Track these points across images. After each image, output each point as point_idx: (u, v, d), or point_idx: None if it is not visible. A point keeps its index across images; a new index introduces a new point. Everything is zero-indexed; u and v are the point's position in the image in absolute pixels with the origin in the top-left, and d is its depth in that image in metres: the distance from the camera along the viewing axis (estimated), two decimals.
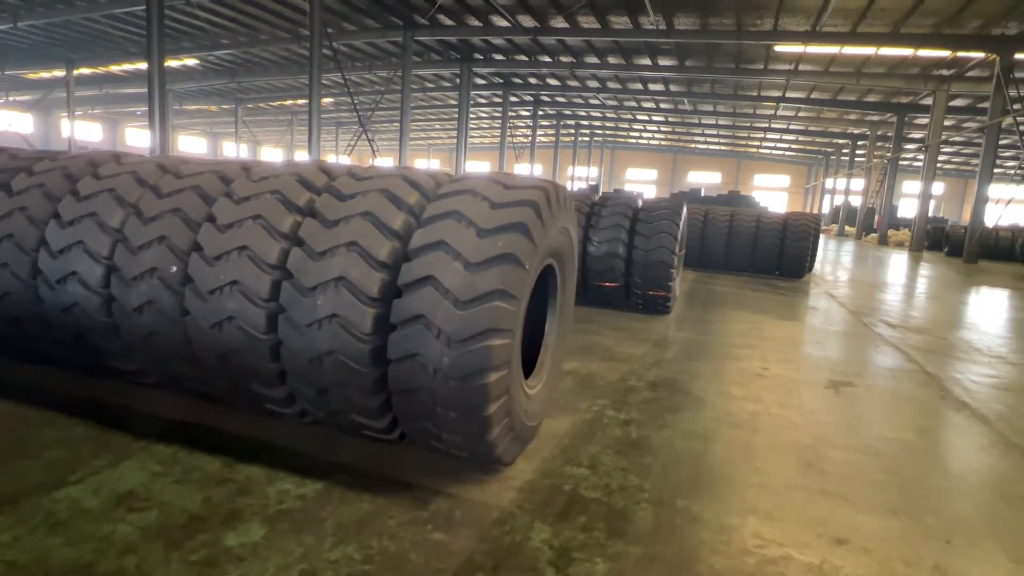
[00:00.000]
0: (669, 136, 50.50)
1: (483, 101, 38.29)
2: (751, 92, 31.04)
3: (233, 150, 49.24)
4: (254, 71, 32.77)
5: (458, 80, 28.99)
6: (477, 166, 58.69)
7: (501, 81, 32.85)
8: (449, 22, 23.60)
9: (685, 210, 6.53)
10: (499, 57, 27.69)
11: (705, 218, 11.37)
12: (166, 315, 2.53)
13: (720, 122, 41.32)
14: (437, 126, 47.90)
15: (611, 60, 26.81)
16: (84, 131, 47.77)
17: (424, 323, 2.11)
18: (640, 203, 6.51)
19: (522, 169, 43.51)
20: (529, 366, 2.85)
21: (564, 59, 27.05)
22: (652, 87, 31.81)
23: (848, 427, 3.47)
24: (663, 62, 26.29)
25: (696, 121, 41.99)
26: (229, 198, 2.56)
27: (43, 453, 2.45)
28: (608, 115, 41.76)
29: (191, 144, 61.43)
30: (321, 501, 2.22)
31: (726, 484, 2.62)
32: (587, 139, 53.09)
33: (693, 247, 11.34)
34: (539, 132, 49.61)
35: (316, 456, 2.58)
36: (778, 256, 10.98)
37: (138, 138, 53.36)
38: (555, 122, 44.86)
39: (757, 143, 50.29)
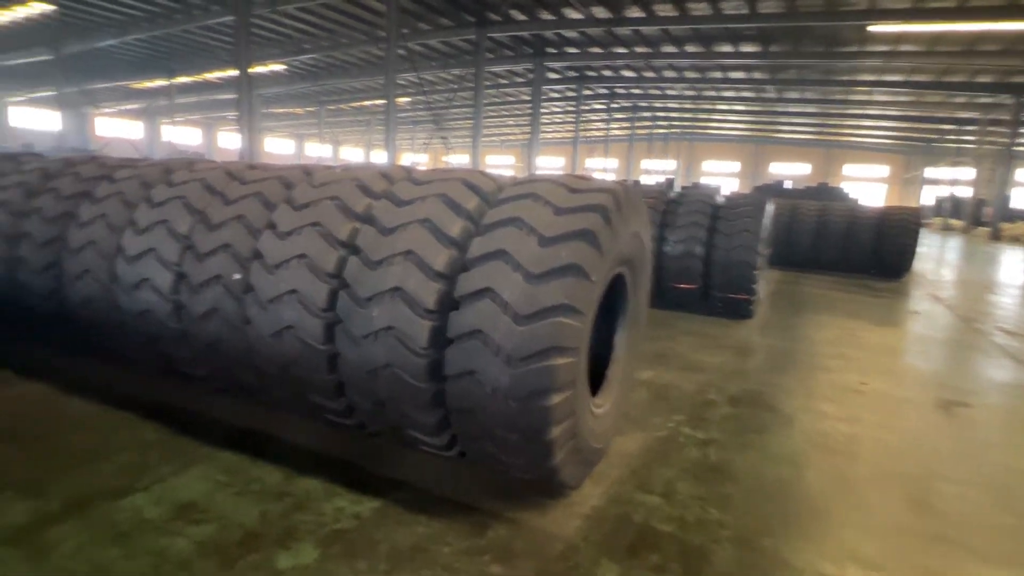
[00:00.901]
0: (751, 126, 48.14)
1: (556, 95, 37.94)
2: (843, 76, 29.00)
3: (316, 150, 51.50)
4: (335, 74, 34.00)
5: (531, 75, 28.85)
6: (550, 161, 58.39)
7: (575, 75, 32.41)
8: (522, 17, 23.46)
9: (770, 206, 6.06)
10: (572, 50, 27.29)
11: (792, 213, 10.64)
12: (230, 323, 2.53)
13: (807, 109, 38.90)
14: (510, 122, 48.05)
15: (689, 48, 25.78)
16: (184, 136, 51.33)
17: (482, 339, 1.96)
18: (720, 199, 6.11)
19: (596, 163, 42.83)
20: (597, 381, 2.66)
21: (640, 50, 26.28)
22: (733, 75, 30.37)
23: (965, 456, 3.04)
24: (745, 48, 25.00)
25: (780, 109, 39.77)
26: (289, 204, 2.52)
27: (116, 456, 2.50)
28: (685, 105, 40.30)
29: (278, 145, 64.72)
30: (377, 521, 2.13)
31: (821, 522, 2.33)
32: (663, 131, 51.56)
33: (779, 244, 10.65)
34: (613, 125, 48.67)
35: (374, 471, 2.50)
36: (874, 254, 10.11)
37: (229, 141, 56.79)
38: (630, 114, 43.82)
39: (849, 131, 47.06)
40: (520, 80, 32.80)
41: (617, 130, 51.04)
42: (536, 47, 27.03)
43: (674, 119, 47.35)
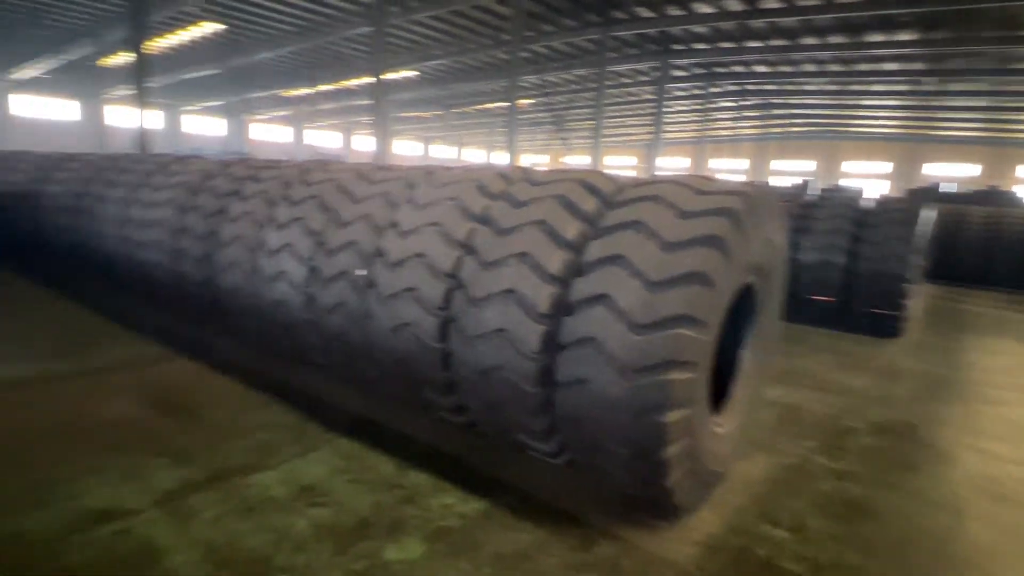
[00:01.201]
0: (904, 122, 43.36)
1: (681, 94, 36.61)
2: (1022, 65, 25.23)
3: (441, 152, 53.75)
4: (460, 78, 35.24)
5: (656, 73, 28.06)
6: (673, 162, 56.51)
7: (702, 71, 31.06)
8: (648, 14, 22.86)
9: (929, 212, 5.37)
10: (701, 46, 26.14)
11: (955, 221, 9.39)
12: (353, 317, 2.64)
13: (975, 103, 34.33)
14: (633, 121, 47.08)
15: (832, 39, 23.74)
16: (325, 139, 55.74)
17: (595, 346, 1.88)
18: (866, 203, 5.51)
19: (722, 164, 40.77)
20: (719, 398, 2.47)
21: (776, 43, 24.62)
22: (886, 66, 27.52)
23: None
24: (901, 36, 22.55)
25: (940, 103, 35.42)
26: (411, 204, 2.59)
27: (252, 434, 2.71)
28: (826, 101, 37.14)
29: (406, 147, 68.28)
30: (482, 523, 2.12)
31: None
32: (799, 129, 47.96)
33: (938, 256, 9.45)
34: (743, 123, 46.05)
35: (483, 470, 2.50)
36: None
37: (363, 143, 60.80)
38: (762, 112, 41.24)
39: None
40: (644, 79, 32.00)
41: (747, 129, 48.23)
42: (662, 44, 26.22)
43: (812, 116, 43.83)
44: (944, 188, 25.60)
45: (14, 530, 1.93)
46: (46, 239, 5.38)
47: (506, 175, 2.54)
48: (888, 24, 20.90)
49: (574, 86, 33.61)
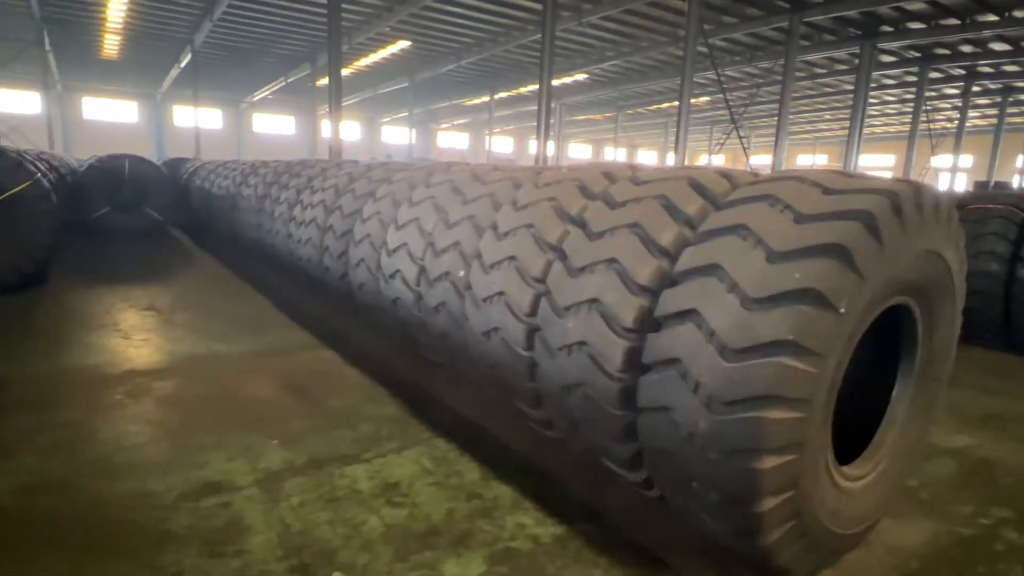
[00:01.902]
0: None
1: (890, 82, 32.08)
2: None
3: (612, 155, 53.23)
4: (633, 78, 34.55)
5: (856, 61, 24.93)
6: (877, 160, 49.87)
7: (917, 55, 26.91)
8: None
9: None
10: (916, 25, 22.66)
11: None
12: (454, 318, 2.63)
13: None
14: (827, 116, 42.34)
15: None
16: (501, 144, 58.34)
17: (680, 370, 1.62)
18: None
19: (942, 161, 34.81)
20: (856, 444, 2.02)
21: (1020, 14, 20.50)
22: None
23: None
24: None
25: None
26: (512, 205, 2.50)
27: (361, 426, 2.83)
28: None
29: (578, 151, 68.89)
30: (554, 551, 1.96)
31: None
32: None
33: None
34: (972, 113, 39.03)
35: (571, 492, 2.33)
36: None
37: (536, 148, 62.36)
38: (999, 99, 34.59)
39: None
40: (842, 67, 28.58)
41: (978, 120, 40.84)
42: (866, 27, 23.21)
43: None
44: None
45: (141, 489, 2.20)
46: (240, 234, 6.25)
47: (611, 173, 2.33)
48: None
49: (758, 80, 31.19)
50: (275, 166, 5.89)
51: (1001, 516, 2.28)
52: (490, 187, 2.79)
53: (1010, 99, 35.19)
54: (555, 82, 37.39)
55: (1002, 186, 16.90)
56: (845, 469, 1.85)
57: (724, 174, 2.03)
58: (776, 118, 24.79)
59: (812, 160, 57.09)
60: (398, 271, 3.05)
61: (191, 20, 21.59)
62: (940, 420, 3.16)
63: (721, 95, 31.19)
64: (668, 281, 1.77)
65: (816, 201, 1.63)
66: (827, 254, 1.48)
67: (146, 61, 26.74)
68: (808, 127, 50.48)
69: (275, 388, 3.28)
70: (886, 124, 44.68)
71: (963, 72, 30.07)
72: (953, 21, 22.35)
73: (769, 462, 1.49)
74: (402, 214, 3.19)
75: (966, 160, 43.10)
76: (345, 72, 28.21)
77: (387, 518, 2.08)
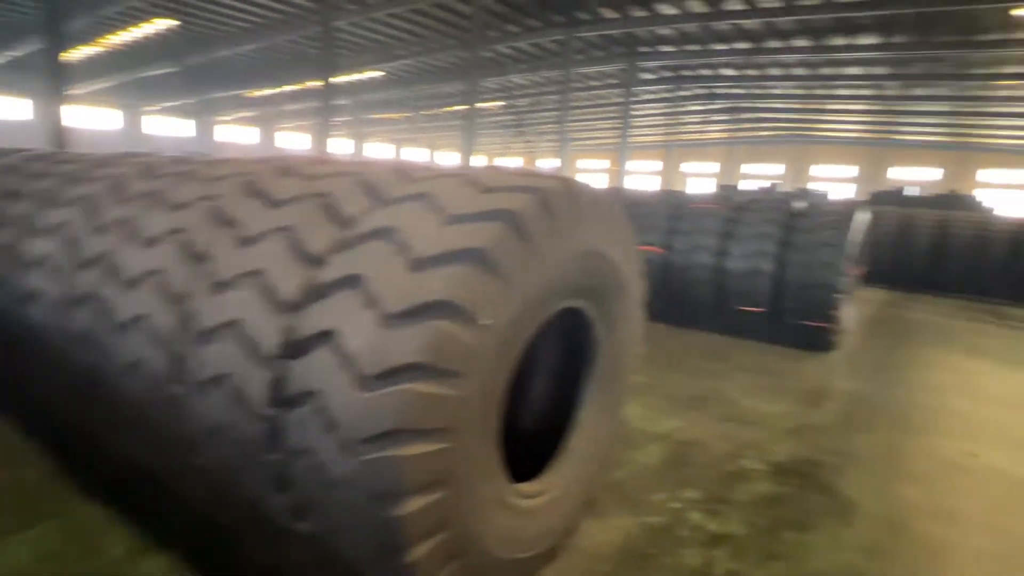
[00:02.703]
0: (869, 127, 43.88)
1: (651, 96, 36.50)
2: (981, 70, 25.52)
3: (415, 155, 52.81)
4: (428, 79, 34.61)
5: (624, 76, 27.80)
6: (645, 165, 56.51)
7: (670, 74, 30.94)
8: (612, 15, 22.59)
9: (865, 216, 4.96)
10: (667, 49, 25.97)
11: (904, 224, 9.09)
12: (97, 345, 2.07)
13: (937, 108, 34.80)
14: (603, 124, 46.95)
15: (796, 43, 23.71)
16: (295, 142, 54.47)
17: (315, 405, 1.34)
18: (797, 206, 5.07)
19: (692, 167, 40.64)
20: (541, 455, 1.96)
21: (740, 46, 24.54)
22: (848, 71, 27.63)
23: None
24: (863, 40, 22.60)
25: (904, 108, 35.86)
26: (164, 205, 2.03)
27: None
28: (793, 105, 37.35)
29: (378, 151, 67.41)
30: None
31: None
32: (768, 133, 48.32)
33: (887, 260, 9.15)
34: (712, 127, 46.15)
35: (242, 560, 1.94)
36: (1010, 275, 8.39)
37: (336, 146, 59.72)
38: (731, 116, 41.37)
39: (986, 131, 41.68)
40: (612, 81, 31.80)
41: (716, 132, 48.40)
42: (628, 46, 26.00)
43: (780, 120, 44.12)
44: (908, 191, 25.75)
45: None
46: None
47: (290, 167, 1.99)
48: (850, 27, 20.88)
49: (544, 88, 33.27)
50: None
51: (689, 497, 2.43)
52: (153, 184, 2.27)
53: (739, 116, 42.23)
54: (348, 78, 36.01)
55: (727, 188, 20.14)
56: (526, 487, 1.75)
57: (403, 169, 1.81)
58: (560, 124, 26.62)
59: (594, 163, 62.81)
60: (33, 290, 2.36)
61: None
62: (658, 406, 3.39)
63: (511, 100, 32.58)
64: (316, 296, 1.49)
65: (468, 200, 1.47)
66: (463, 260, 1.32)
67: None
68: (589, 134, 55.41)
69: None
70: (650, 134, 50.88)
71: (704, 91, 35.33)
72: (694, 47, 26.01)
73: (412, 505, 1.28)
74: (52, 217, 2.49)
75: (714, 166, 50.89)
76: (93, 50, 23.94)
77: None
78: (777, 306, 4.89)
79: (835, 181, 50.75)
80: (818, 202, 5.00)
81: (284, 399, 1.44)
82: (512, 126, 44.77)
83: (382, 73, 34.45)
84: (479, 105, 43.49)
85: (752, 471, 2.70)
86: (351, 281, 1.39)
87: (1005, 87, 28.37)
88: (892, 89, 30.68)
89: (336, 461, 1.31)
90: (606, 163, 57.79)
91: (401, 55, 30.14)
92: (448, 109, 43.60)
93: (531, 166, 46.56)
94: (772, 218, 4.93)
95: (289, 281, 1.50)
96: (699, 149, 41.32)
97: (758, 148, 48.29)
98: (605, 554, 2.02)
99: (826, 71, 28.31)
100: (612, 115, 42.35)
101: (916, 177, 47.32)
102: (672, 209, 5.37)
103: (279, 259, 1.55)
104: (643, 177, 54.29)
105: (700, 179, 49.11)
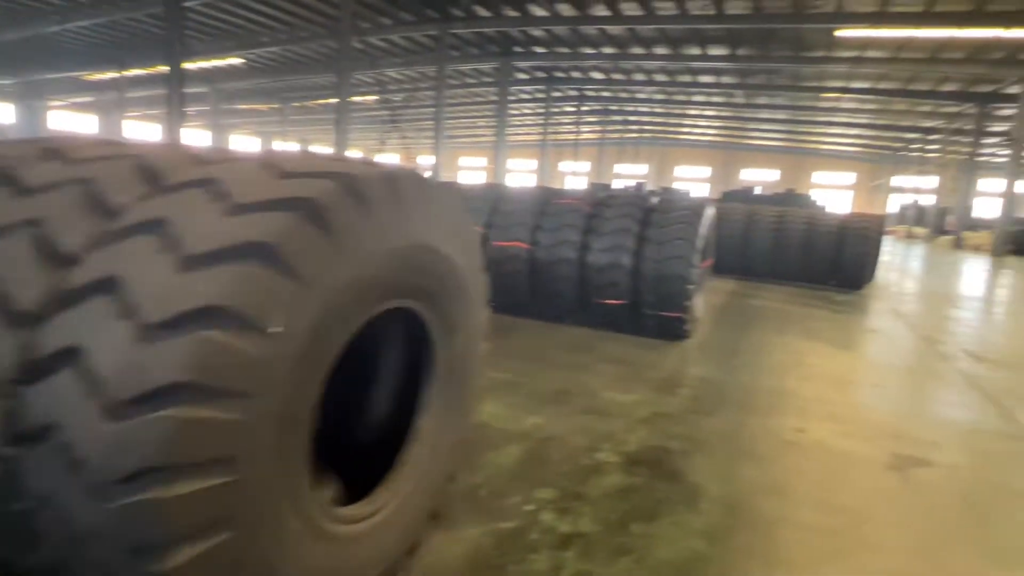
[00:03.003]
0: (722, 132, 48.11)
1: (526, 96, 37.26)
2: (811, 83, 28.85)
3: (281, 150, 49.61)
4: (297, 69, 32.79)
5: (499, 75, 28.06)
6: (522, 163, 57.69)
7: (543, 75, 31.76)
8: (485, 13, 22.69)
9: (712, 210, 5.29)
10: (540, 50, 26.61)
11: (748, 219, 9.95)
12: None
13: (777, 116, 38.91)
14: (481, 123, 47.24)
15: (657, 50, 25.30)
16: (145, 132, 49.22)
17: (57, 442, 1.08)
18: (652, 201, 5.31)
19: (567, 166, 42.12)
20: (377, 472, 1.79)
21: (607, 50, 25.73)
22: (702, 79, 30.00)
23: (921, 553, 2.24)
24: (713, 51, 24.61)
25: (751, 115, 39.71)
26: None
27: None
28: (656, 110, 39.98)
29: (244, 143, 63.10)
30: None
31: None
32: (635, 135, 51.30)
33: (735, 252, 9.96)
34: (584, 128, 48.07)
35: None
36: (835, 264, 9.46)
37: (193, 138, 54.97)
38: (601, 117, 43.36)
39: (818, 138, 47.36)
40: (488, 80, 32.02)
41: (588, 133, 50.50)
42: (502, 45, 26.29)
43: (645, 123, 47.05)
44: (757, 191, 28.42)
45: None
46: None
47: (52, 150, 1.65)
48: (702, 38, 22.63)
49: (420, 84, 32.78)
50: None
51: (543, 497, 2.37)
52: None
53: (608, 119, 44.31)
54: (205, 64, 33.10)
55: (598, 186, 21.11)
56: (352, 510, 1.57)
57: (194, 153, 1.55)
58: (438, 121, 26.34)
59: (471, 161, 63.03)
60: None
61: None
62: (521, 404, 3.34)
63: (386, 95, 31.68)
64: (61, 304, 1.20)
65: (260, 187, 1.26)
66: (246, 257, 1.12)
67: None
68: (468, 131, 55.49)
69: None
70: (527, 133, 51.96)
71: (576, 93, 36.65)
72: (565, 50, 26.85)
73: (183, 556, 1.06)
74: None
75: (585, 165, 52.95)
76: None
77: None
78: (636, 298, 5.07)
79: (694, 181, 55.02)
80: (670, 198, 5.24)
81: (20, 435, 1.15)
82: (389, 121, 43.66)
83: (243, 61, 32.17)
84: (354, 99, 41.99)
85: (606, 464, 2.71)
86: (105, 285, 1.13)
87: (830, 99, 32.26)
88: (739, 97, 33.77)
89: (85, 509, 1.05)
90: (485, 161, 58.21)
91: (266, 42, 28.33)
92: (320, 102, 41.65)
93: (410, 163, 45.73)
94: (630, 213, 5.11)
95: (29, 286, 1.21)
96: (574, 148, 42.88)
97: (626, 149, 51.08)
98: (451, 568, 1.90)
99: (684, 78, 30.50)
100: (490, 113, 42.73)
101: (762, 178, 52.67)
102: (538, 205, 5.39)
103: (19, 259, 1.24)
104: (522, 175, 55.40)
105: (576, 177, 50.98)
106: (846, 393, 4.16)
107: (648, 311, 5.07)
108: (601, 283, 5.12)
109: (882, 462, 3.00)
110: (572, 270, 5.14)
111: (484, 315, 2.02)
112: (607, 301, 5.16)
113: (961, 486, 2.84)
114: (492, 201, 5.60)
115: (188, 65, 31.19)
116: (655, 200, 5.24)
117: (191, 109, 49.49)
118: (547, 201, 5.39)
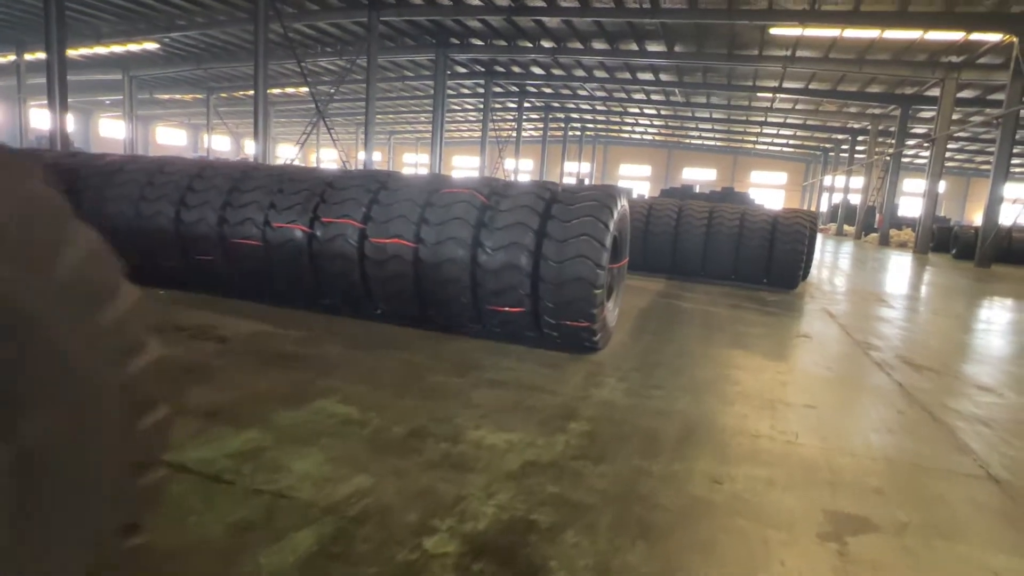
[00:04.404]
0: (662, 130, 48.51)
1: (467, 91, 36.32)
2: (746, 82, 29.13)
3: (216, 143, 46.68)
4: (220, 57, 30.79)
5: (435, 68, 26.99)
6: (466, 160, 56.71)
7: (482, 69, 30.89)
8: (418, 0, 21.67)
9: (623, 202, 4.54)
10: (477, 42, 25.74)
11: (678, 215, 9.38)
12: None
13: (714, 115, 39.41)
14: (423, 118, 45.87)
15: (595, 45, 24.87)
16: (46, 121, 45.45)
17: None
18: (556, 192, 4.52)
19: (512, 164, 41.33)
20: None
21: (546, 44, 25.10)
22: (641, 76, 29.84)
23: None
24: (651, 47, 24.36)
25: (689, 114, 40.07)
26: None
27: None
28: (598, 107, 39.79)
29: (170, 136, 59.52)
30: None
31: None
32: (578, 133, 51.15)
33: (663, 249, 9.38)
34: (527, 125, 47.52)
35: None
36: (767, 261, 9.00)
37: (112, 129, 51.33)
38: (543, 115, 42.87)
39: (754, 138, 48.43)
40: (426, 73, 30.88)
41: (531, 130, 50.00)
42: (438, 36, 25.28)
43: (587, 121, 46.90)
44: (698, 189, 28.43)
45: None
46: None
47: None
48: (639, 34, 22.26)
49: (355, 76, 31.37)
50: None
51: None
52: None
53: (549, 116, 43.86)
54: (117, 48, 30.67)
55: (544, 183, 20.73)
56: None
57: None
58: (381, 115, 25.06)
59: (416, 158, 61.61)
60: None
61: None
62: (353, 455, 2.46)
63: (323, 87, 30.10)
64: None
65: None
66: None
67: None
68: (409, 127, 54.04)
69: None
70: (471, 130, 51.00)
71: (517, 89, 35.95)
72: (503, 43, 26.06)
73: None
74: None
75: (528, 164, 52.45)
76: None
77: None
78: (536, 305, 4.28)
79: (637, 180, 55.38)
80: (573, 188, 4.46)
81: None
82: (332, 115, 41.78)
83: (159, 46, 30.04)
84: (286, 90, 39.91)
85: (433, 560, 1.87)
86: None
87: (765, 100, 32.73)
88: (679, 96, 33.85)
89: None
90: (425, 157, 56.92)
91: (183, 25, 26.49)
92: (247, 93, 39.44)
93: (351, 158, 43.93)
94: (530, 204, 4.30)
95: None
96: (517, 147, 42.16)
97: (570, 147, 50.86)
98: None
99: (623, 75, 30.25)
100: (431, 108, 41.51)
101: (702, 177, 53.56)
102: (424, 196, 4.52)
103: None
104: (467, 173, 54.43)
105: (521, 176, 50.46)
106: (774, 418, 3.48)
107: (549, 319, 4.28)
108: (496, 287, 4.30)
109: (815, 527, 2.28)
110: (463, 272, 4.30)
111: (127, 365, 1.13)
112: (503, 308, 4.34)
113: (914, 562, 2.14)
114: (372, 191, 4.69)
115: (98, 49, 28.76)
116: (556, 189, 4.45)
117: (106, 98, 46.40)
118: (435, 190, 4.53)
